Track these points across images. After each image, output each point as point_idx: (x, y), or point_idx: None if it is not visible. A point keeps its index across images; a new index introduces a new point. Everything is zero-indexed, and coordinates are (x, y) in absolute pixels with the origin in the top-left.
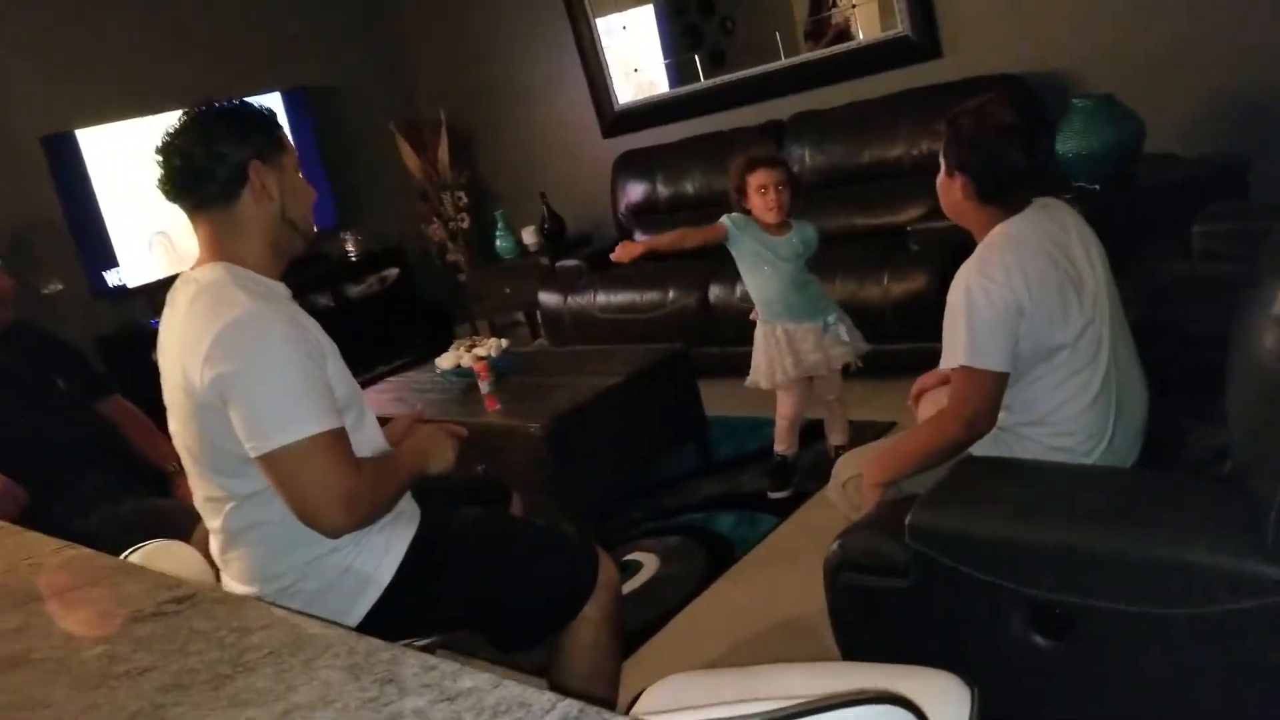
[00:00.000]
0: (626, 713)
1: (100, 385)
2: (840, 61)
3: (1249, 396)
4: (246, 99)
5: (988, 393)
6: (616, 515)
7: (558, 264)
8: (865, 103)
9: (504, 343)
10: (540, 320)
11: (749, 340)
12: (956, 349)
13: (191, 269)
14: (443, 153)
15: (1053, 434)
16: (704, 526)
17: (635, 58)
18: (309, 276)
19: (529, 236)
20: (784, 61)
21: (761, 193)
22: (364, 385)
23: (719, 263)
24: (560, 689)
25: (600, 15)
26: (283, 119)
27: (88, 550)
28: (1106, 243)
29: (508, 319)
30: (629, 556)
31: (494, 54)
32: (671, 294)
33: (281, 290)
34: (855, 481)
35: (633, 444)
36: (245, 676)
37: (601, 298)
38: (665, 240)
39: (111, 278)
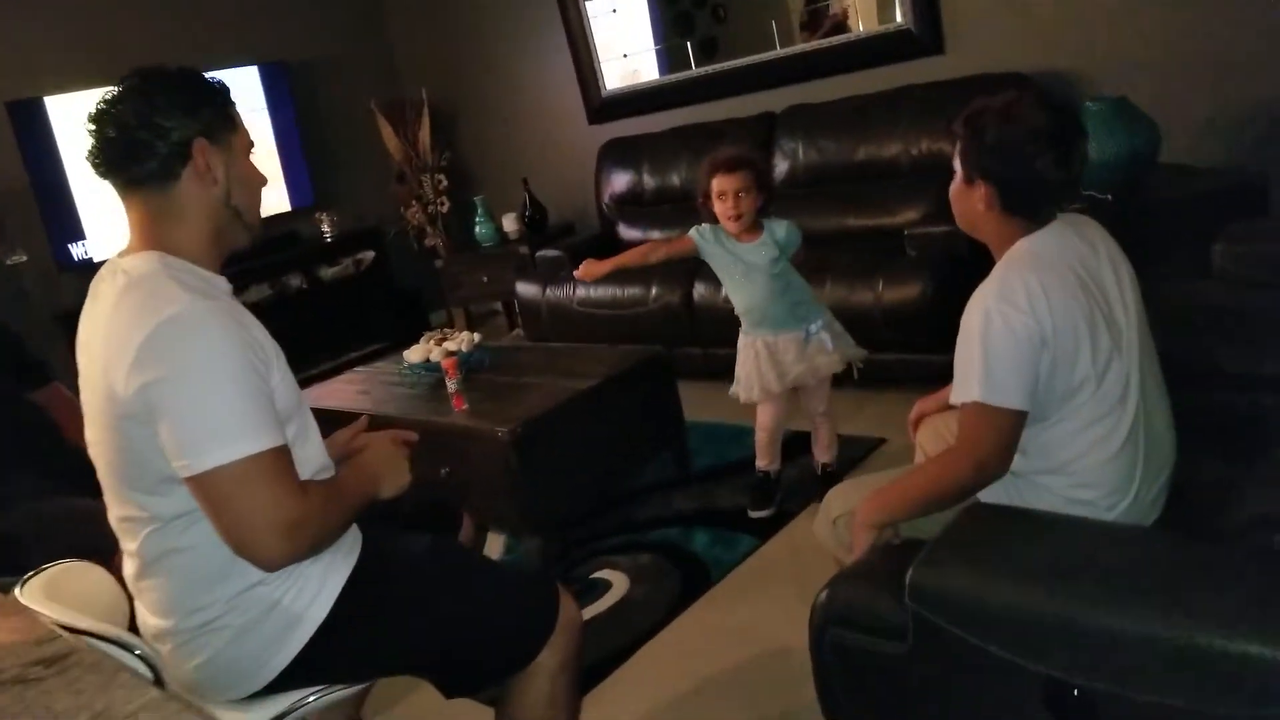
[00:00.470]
0: None
1: (34, 374)
2: (837, 54)
3: None
4: (202, 71)
5: (1003, 433)
6: (583, 526)
7: (538, 254)
8: (862, 97)
9: (476, 337)
10: (517, 311)
11: (733, 343)
12: (970, 382)
13: (120, 255)
14: (424, 133)
15: (1073, 485)
16: (678, 544)
17: (625, 43)
18: (282, 257)
19: (509, 224)
20: (778, 52)
21: (720, 199)
22: (333, 372)
23: (704, 260)
24: None
25: None
26: (259, 93)
27: None
28: None
29: (485, 308)
30: (597, 574)
31: (479, 33)
32: (654, 291)
33: (222, 285)
34: (847, 519)
35: (606, 453)
36: None
37: (581, 291)
38: (630, 257)
39: (77, 250)
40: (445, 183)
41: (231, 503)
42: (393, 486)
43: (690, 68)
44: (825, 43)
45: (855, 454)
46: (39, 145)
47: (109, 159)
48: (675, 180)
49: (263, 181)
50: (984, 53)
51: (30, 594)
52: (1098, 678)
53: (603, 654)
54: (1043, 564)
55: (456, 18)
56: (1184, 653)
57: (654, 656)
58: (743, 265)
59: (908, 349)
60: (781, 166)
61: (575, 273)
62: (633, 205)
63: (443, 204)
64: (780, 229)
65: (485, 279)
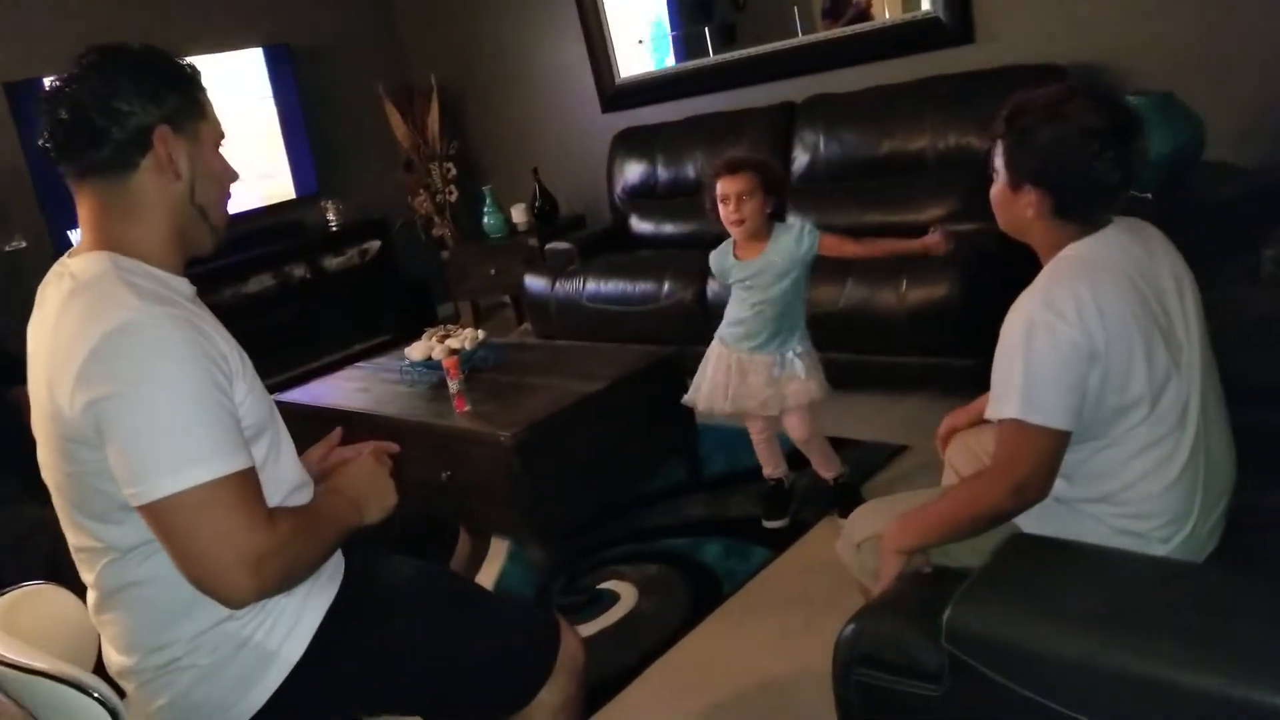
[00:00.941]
0: None
1: (8, 371)
2: (861, 42)
3: None
4: (204, 54)
5: (1044, 454)
6: (589, 534)
7: (547, 246)
8: (887, 88)
9: (480, 334)
10: (525, 305)
11: None
12: (1009, 397)
13: (69, 255)
14: (432, 121)
15: (1124, 515)
16: (689, 555)
17: (640, 28)
18: (285, 246)
19: (518, 215)
20: (800, 39)
21: (724, 204)
22: (337, 365)
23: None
24: None
25: None
26: (263, 77)
27: None
28: None
29: (493, 300)
30: (604, 585)
31: (490, 17)
32: (666, 287)
33: (182, 288)
34: (873, 543)
35: (613, 459)
36: None
37: (591, 286)
38: None
39: (75, 236)
40: (454, 171)
41: (190, 534)
42: (377, 510)
43: (708, 54)
44: (849, 30)
45: (875, 461)
46: (38, 128)
47: (60, 143)
48: (690, 172)
49: (233, 178)
50: (1016, 43)
51: None
52: None
53: (609, 672)
54: (1094, 606)
55: (468, 2)
56: (1245, 710)
57: (663, 676)
58: (750, 284)
59: (933, 352)
60: (802, 159)
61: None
62: (646, 198)
63: (451, 193)
64: (784, 238)
65: (493, 271)
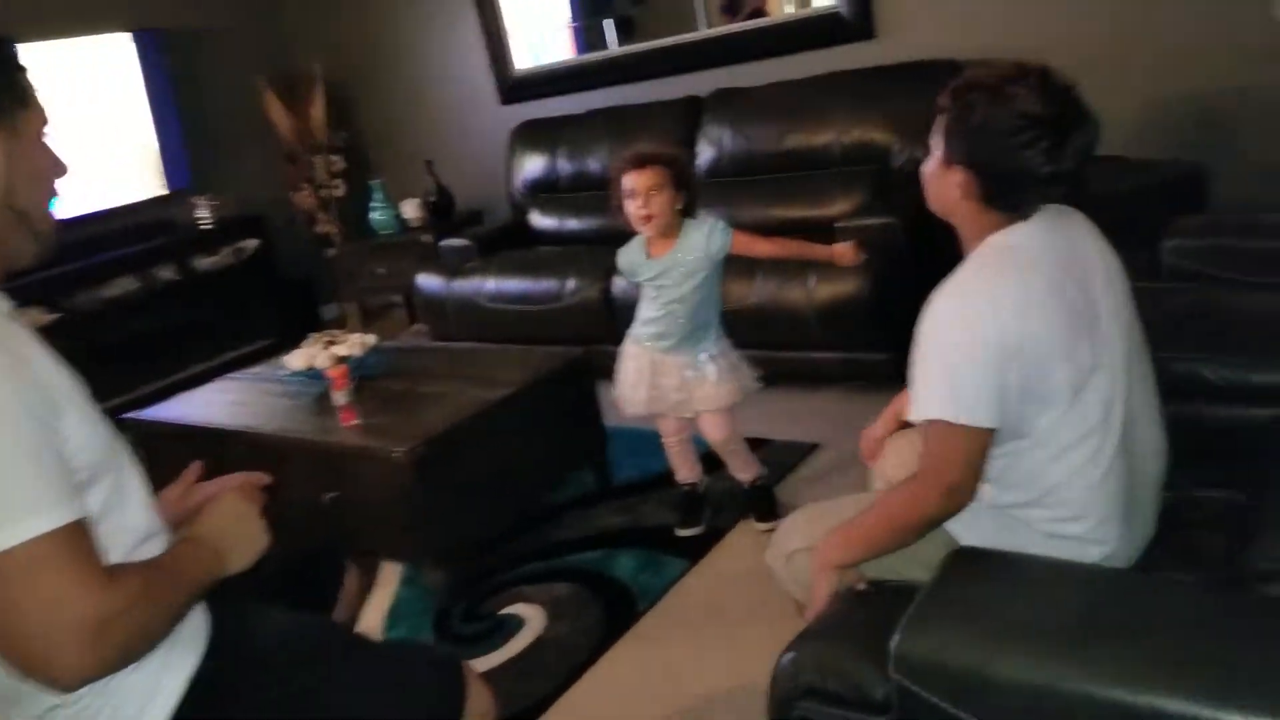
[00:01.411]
0: None
1: None
2: (764, 36)
3: None
4: (67, 38)
5: (971, 454)
6: (492, 551)
7: (442, 243)
8: (792, 83)
9: (370, 339)
10: (419, 305)
11: None
12: (930, 397)
13: None
14: (316, 111)
15: (1056, 519)
16: (600, 570)
17: (539, 18)
18: (152, 246)
19: (410, 210)
20: (703, 33)
21: (630, 198)
22: (211, 374)
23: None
24: None
25: None
26: (133, 65)
27: None
28: None
29: (383, 300)
30: (508, 609)
31: (379, 3)
32: (570, 284)
33: None
34: (805, 554)
35: (519, 471)
36: None
37: (491, 285)
38: None
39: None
40: (341, 164)
41: (9, 607)
42: (244, 554)
43: (609, 47)
44: (751, 25)
45: (788, 460)
46: None
47: None
48: (594, 166)
49: (60, 173)
50: (917, 39)
51: None
52: None
53: (516, 708)
54: (1049, 627)
55: None
56: None
57: (575, 708)
58: (659, 275)
59: (844, 347)
60: (707, 154)
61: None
62: (547, 193)
63: (337, 187)
64: (694, 234)
65: (383, 270)
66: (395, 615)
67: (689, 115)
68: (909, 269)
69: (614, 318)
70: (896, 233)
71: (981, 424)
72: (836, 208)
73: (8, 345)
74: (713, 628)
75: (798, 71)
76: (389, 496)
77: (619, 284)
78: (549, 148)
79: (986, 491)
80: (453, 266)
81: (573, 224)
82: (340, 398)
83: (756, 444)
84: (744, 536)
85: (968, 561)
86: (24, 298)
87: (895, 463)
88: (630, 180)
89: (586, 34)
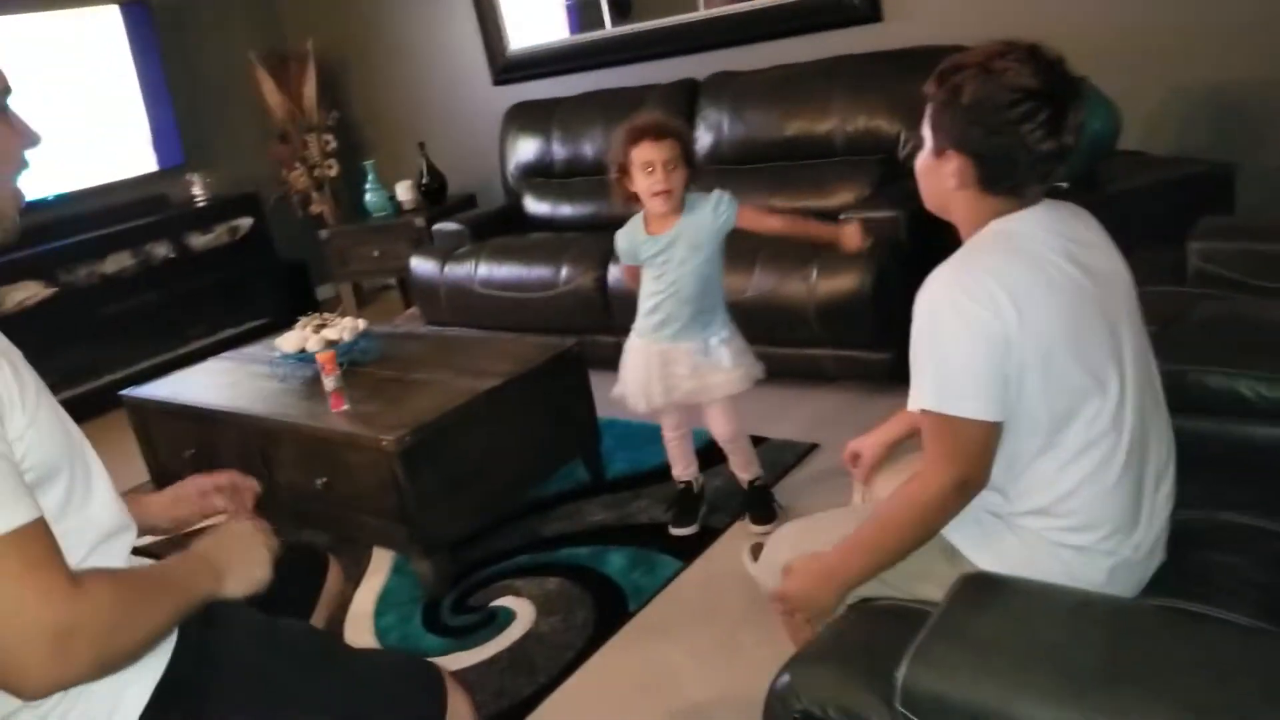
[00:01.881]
0: None
1: None
2: (766, 17)
3: None
4: (53, 9)
5: (976, 445)
6: (482, 543)
7: (435, 227)
8: (793, 66)
9: (361, 323)
10: (413, 290)
11: None
12: (923, 386)
13: None
14: (309, 90)
15: (1064, 528)
16: (590, 566)
17: None
18: (147, 223)
19: (404, 192)
20: (701, 13)
21: (647, 171)
22: (207, 352)
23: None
24: None
25: None
26: (121, 39)
27: None
28: None
29: (378, 282)
30: (498, 602)
31: None
32: (565, 272)
33: None
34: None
35: (509, 463)
36: None
37: (484, 270)
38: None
39: None
40: (333, 144)
41: None
42: (244, 580)
43: (604, 26)
44: (752, 5)
45: (786, 460)
46: None
47: None
48: (588, 150)
49: (29, 143)
50: (926, 22)
51: None
52: None
53: (504, 705)
54: (1071, 663)
55: None
56: None
57: (564, 707)
58: (662, 260)
59: (844, 345)
60: (705, 139)
61: None
62: (541, 177)
63: (330, 167)
64: (702, 206)
65: (377, 253)
66: (384, 603)
67: (686, 99)
68: (913, 265)
69: (609, 307)
70: (901, 227)
71: (976, 415)
72: (839, 198)
73: None
74: (707, 631)
75: (800, 55)
76: (377, 484)
77: (614, 273)
78: (542, 131)
79: (993, 499)
80: (445, 251)
81: (566, 210)
82: (330, 383)
83: (753, 442)
84: (739, 537)
85: (978, 589)
86: (19, 272)
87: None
88: (648, 151)
89: (581, 13)
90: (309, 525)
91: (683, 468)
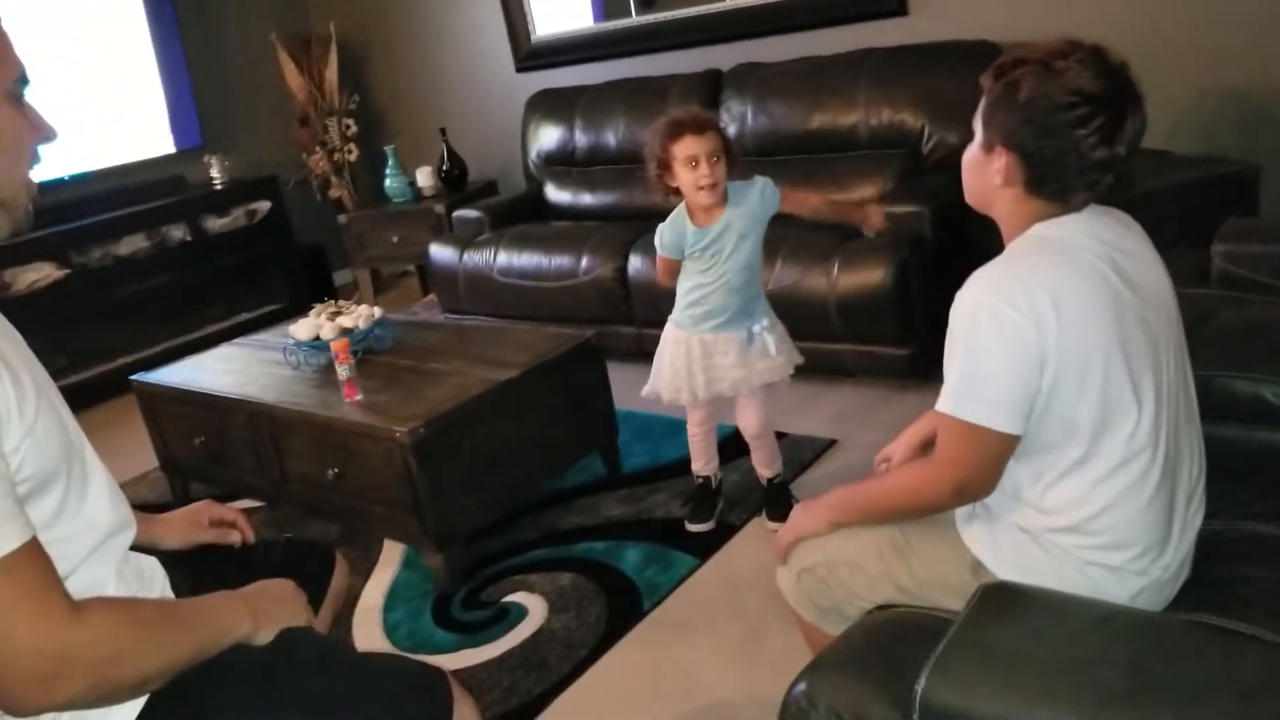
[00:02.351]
0: None
1: None
2: (792, 9)
3: None
4: None
5: (987, 456)
6: (495, 536)
7: (455, 214)
8: (818, 59)
9: (377, 311)
10: (431, 277)
11: None
12: (950, 391)
13: None
14: (330, 73)
15: (1095, 547)
16: (605, 562)
17: None
18: (163, 204)
19: (424, 178)
20: (727, 3)
21: (691, 166)
22: (222, 336)
23: (643, 229)
24: None
25: None
26: (140, 17)
27: None
28: None
29: (396, 269)
30: (511, 597)
31: None
32: (585, 262)
33: None
34: (812, 573)
35: (525, 456)
36: None
37: (504, 259)
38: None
39: None
40: (354, 128)
41: None
42: (278, 625)
43: (630, 14)
44: None
45: (804, 456)
46: None
47: None
48: (611, 139)
49: (43, 137)
50: (951, 17)
51: None
52: None
53: (515, 703)
54: (1094, 678)
55: None
56: None
57: (577, 706)
58: (713, 243)
59: (865, 340)
60: (728, 131)
61: None
62: (563, 165)
63: (350, 152)
64: (753, 192)
65: (396, 239)
66: (394, 598)
67: (710, 89)
68: (936, 261)
69: (629, 298)
70: (925, 222)
71: (1000, 428)
72: (862, 193)
73: None
74: (723, 629)
75: (825, 47)
76: (389, 476)
77: (635, 263)
78: (565, 118)
79: (1022, 512)
80: (464, 239)
81: (588, 199)
82: (343, 372)
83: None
84: (756, 535)
85: (999, 599)
86: (32, 253)
87: None
88: (692, 145)
89: (607, 1)
90: (319, 516)
91: (704, 463)
